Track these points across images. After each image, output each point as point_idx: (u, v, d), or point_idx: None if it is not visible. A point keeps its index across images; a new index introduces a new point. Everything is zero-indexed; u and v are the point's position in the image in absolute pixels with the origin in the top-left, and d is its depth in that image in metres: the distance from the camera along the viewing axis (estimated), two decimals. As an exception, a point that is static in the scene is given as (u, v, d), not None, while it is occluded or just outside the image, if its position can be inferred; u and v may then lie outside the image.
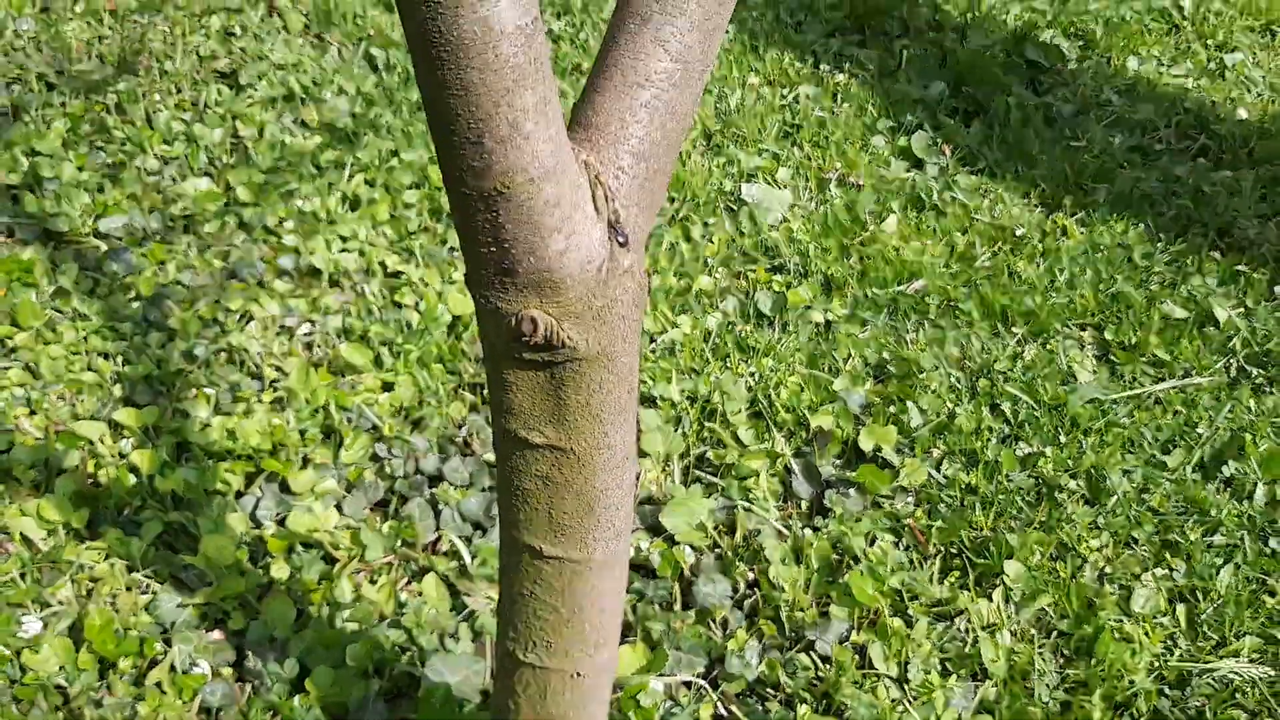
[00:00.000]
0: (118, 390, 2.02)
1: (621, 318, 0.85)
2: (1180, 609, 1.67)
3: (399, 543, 1.77)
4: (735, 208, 2.53)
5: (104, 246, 2.34)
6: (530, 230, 0.78)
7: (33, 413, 1.96)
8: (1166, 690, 1.56)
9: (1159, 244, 2.42)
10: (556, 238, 0.79)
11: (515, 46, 0.70)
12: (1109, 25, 3.19)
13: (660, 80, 0.82)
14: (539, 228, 0.78)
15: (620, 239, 0.83)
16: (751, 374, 2.07)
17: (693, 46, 0.83)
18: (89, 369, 2.08)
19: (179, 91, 2.80)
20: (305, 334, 2.17)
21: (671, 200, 2.53)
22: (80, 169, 2.50)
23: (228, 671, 1.60)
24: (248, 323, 2.16)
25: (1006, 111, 2.83)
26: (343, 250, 2.37)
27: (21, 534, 1.73)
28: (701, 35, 0.83)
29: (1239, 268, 2.34)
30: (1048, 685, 1.57)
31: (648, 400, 2.01)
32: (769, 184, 2.58)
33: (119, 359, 2.08)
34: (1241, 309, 2.24)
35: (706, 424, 1.98)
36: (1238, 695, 1.55)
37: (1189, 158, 2.75)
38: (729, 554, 1.75)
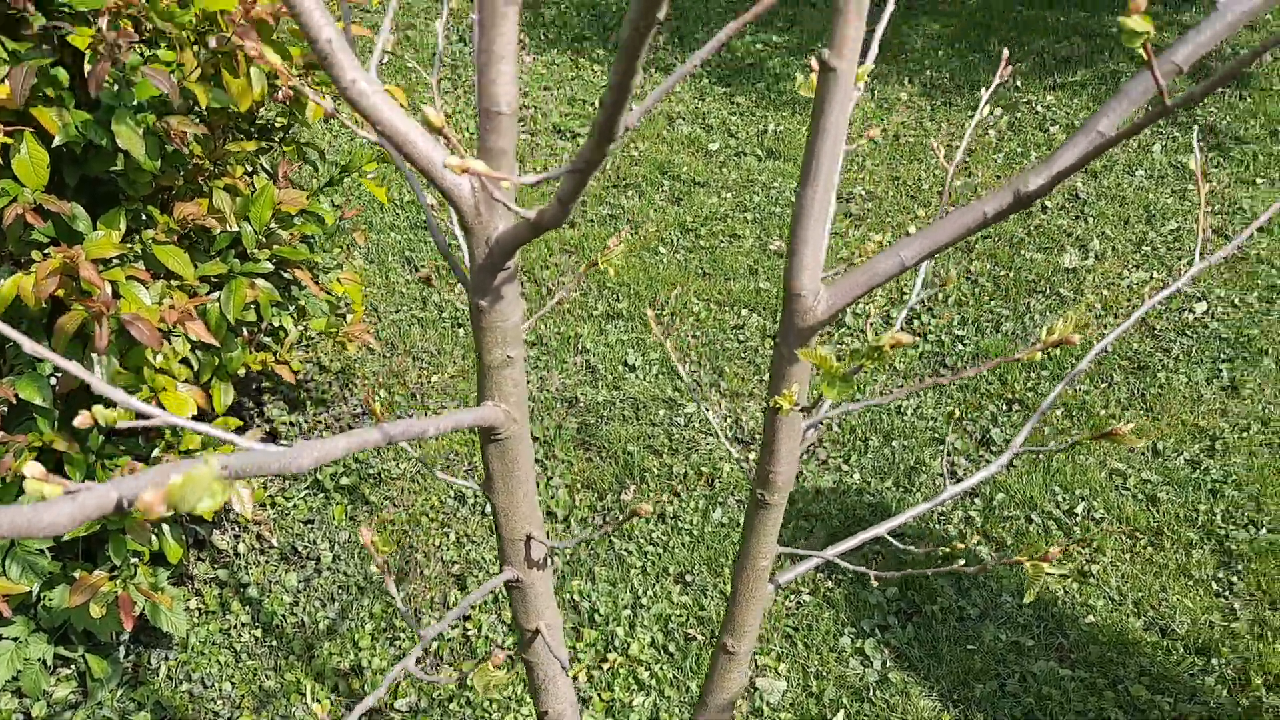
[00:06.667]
0: (409, 823, 3.90)
1: None
2: None
3: None
4: (750, 694, 4.26)
5: (396, 718, 4.28)
6: None
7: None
8: None
9: (1003, 741, 4.00)
10: None
11: None
12: (1018, 535, 4.82)
13: None
14: None
15: None
16: (741, 831, 3.77)
17: None
18: (394, 809, 3.97)
19: (431, 591, 4.80)
20: (504, 789, 4.01)
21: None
22: (383, 661, 4.49)
23: None
24: (474, 782, 4.02)
25: (932, 615, 4.48)
26: (524, 723, 4.23)
27: None
28: None
29: (1044, 762, 3.90)
30: None
31: None
32: (774, 677, 4.31)
33: (409, 804, 3.97)
34: (1037, 797, 3.79)
35: None
36: None
37: (1049, 655, 4.32)
38: None
